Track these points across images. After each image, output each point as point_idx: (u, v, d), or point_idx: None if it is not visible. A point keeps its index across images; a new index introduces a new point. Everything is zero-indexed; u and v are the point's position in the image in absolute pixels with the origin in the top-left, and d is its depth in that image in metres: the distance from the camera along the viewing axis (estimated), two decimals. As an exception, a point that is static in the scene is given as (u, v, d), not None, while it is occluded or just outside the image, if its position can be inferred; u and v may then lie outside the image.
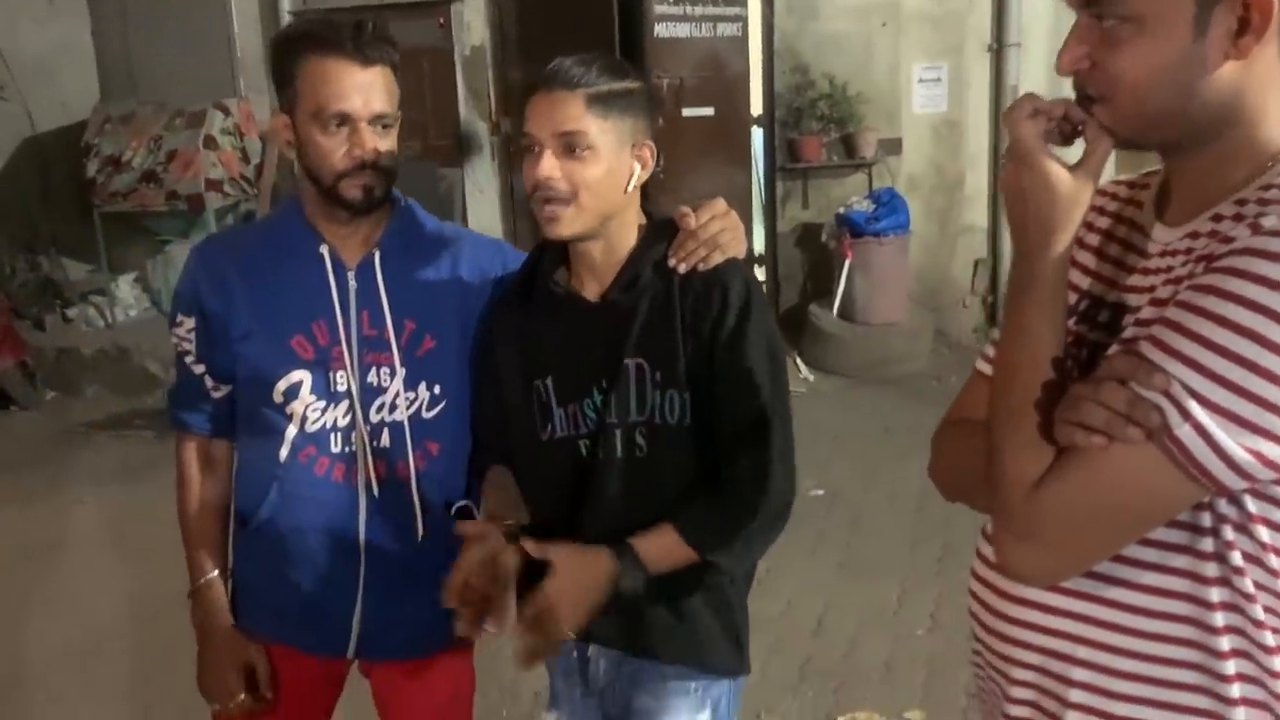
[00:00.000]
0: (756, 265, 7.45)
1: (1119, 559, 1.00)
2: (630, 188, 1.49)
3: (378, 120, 1.62)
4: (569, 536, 1.53)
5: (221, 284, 1.69)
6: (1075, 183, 0.98)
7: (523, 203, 7.85)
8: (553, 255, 1.58)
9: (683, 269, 1.51)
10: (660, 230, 1.55)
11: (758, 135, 7.18)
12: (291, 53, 1.63)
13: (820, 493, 4.51)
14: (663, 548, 1.49)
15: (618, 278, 1.53)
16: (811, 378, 6.34)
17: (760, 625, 3.51)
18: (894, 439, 5.04)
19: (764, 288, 7.36)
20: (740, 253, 1.54)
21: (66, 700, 3.28)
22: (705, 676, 1.59)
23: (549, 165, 1.44)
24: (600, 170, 1.45)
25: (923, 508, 4.29)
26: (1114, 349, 0.99)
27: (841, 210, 6.62)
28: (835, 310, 6.55)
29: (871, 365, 6.30)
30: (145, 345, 6.93)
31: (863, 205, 6.55)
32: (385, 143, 1.62)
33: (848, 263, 6.47)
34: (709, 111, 6.67)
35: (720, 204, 1.57)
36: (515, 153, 7.75)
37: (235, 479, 1.79)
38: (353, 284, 1.68)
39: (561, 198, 1.45)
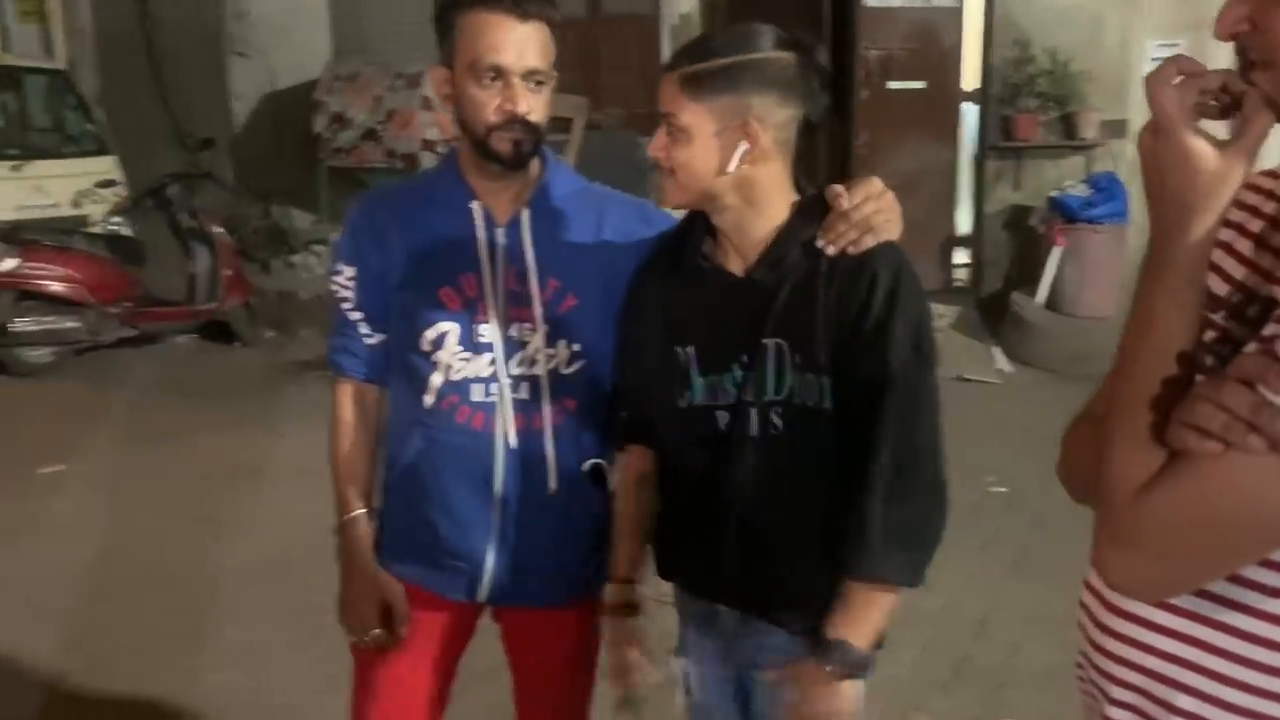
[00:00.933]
0: (959, 248, 7.15)
1: (1238, 581, 0.89)
2: (733, 167, 1.45)
3: (531, 76, 1.62)
4: (706, 506, 1.53)
5: (380, 235, 1.75)
6: (1222, 161, 0.86)
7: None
8: (703, 225, 1.57)
9: (831, 251, 1.46)
10: (812, 209, 1.50)
11: (969, 111, 6.87)
12: (454, 5, 1.66)
13: (1002, 489, 4.30)
14: (862, 612, 1.46)
15: (763, 255, 1.50)
16: (1008, 369, 6.04)
17: (915, 619, 3.42)
18: (1089, 439, 4.72)
19: (966, 271, 7.05)
20: (895, 236, 1.48)
21: (243, 618, 3.52)
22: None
23: (657, 141, 1.47)
24: (690, 152, 1.44)
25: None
26: (1249, 347, 0.86)
27: (1055, 194, 6.25)
28: (1041, 300, 6.21)
29: (1075, 360, 5.92)
30: (356, 293, 7.30)
31: (1079, 190, 6.16)
32: (537, 99, 1.63)
33: (1058, 250, 6.11)
34: (918, 85, 6.44)
35: (876, 183, 1.50)
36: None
37: (390, 422, 1.86)
38: (501, 240, 1.71)
39: (666, 171, 1.48)
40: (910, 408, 1.43)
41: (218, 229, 6.91)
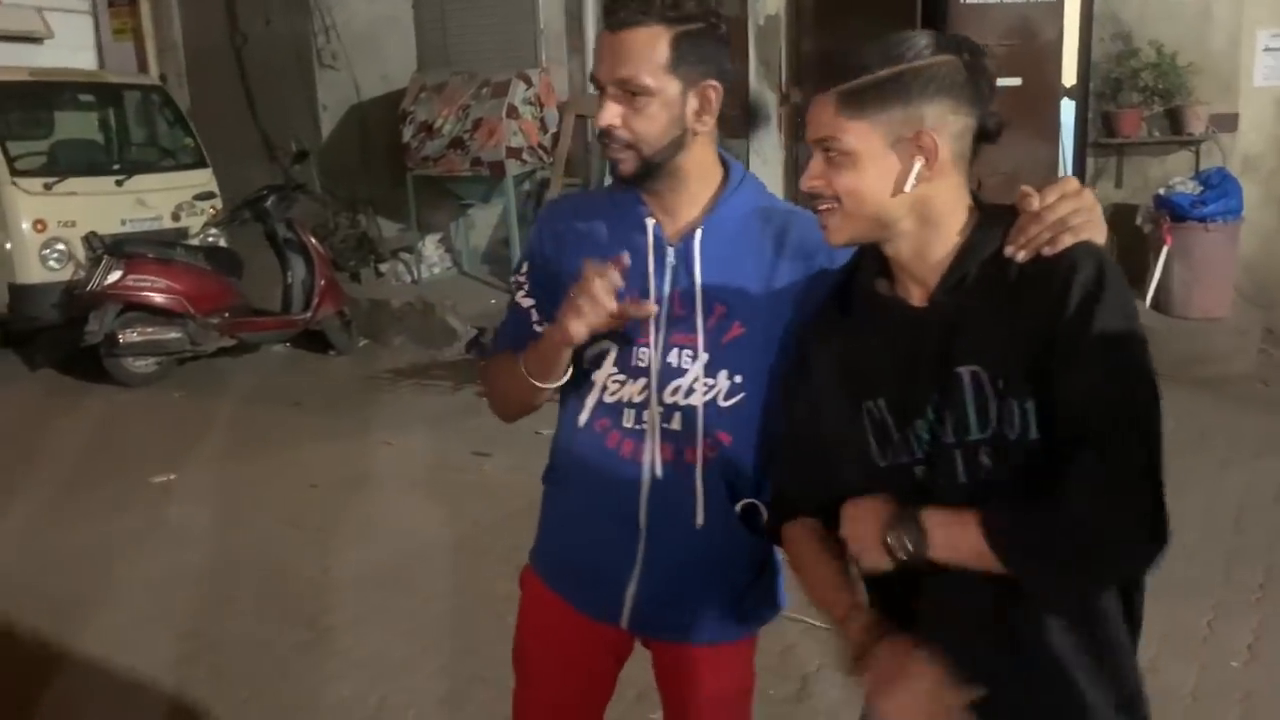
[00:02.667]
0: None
1: None
2: (908, 187, 1.30)
3: (620, 86, 1.52)
4: (919, 586, 1.32)
5: (558, 240, 1.71)
6: None
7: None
8: (872, 259, 1.42)
9: (1022, 257, 1.28)
10: (994, 219, 1.35)
11: (1068, 108, 6.69)
12: None
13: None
14: (957, 531, 1.25)
15: (945, 277, 1.33)
16: (1114, 372, 5.87)
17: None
18: (1210, 447, 4.55)
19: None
20: (1098, 237, 1.32)
21: (361, 629, 3.54)
22: None
23: (813, 172, 1.33)
24: (858, 177, 1.29)
25: (1242, 525, 3.85)
26: None
27: (1162, 191, 6.05)
28: (1148, 301, 6.01)
29: (1186, 363, 5.73)
30: (447, 301, 7.38)
31: (1187, 186, 5.96)
32: (629, 112, 1.52)
33: (1166, 249, 5.91)
34: (1015, 82, 6.26)
35: (1072, 182, 1.35)
36: (802, 124, 7.62)
37: (556, 429, 1.81)
38: (670, 260, 1.63)
39: (828, 204, 1.34)
40: (1115, 421, 1.21)
41: (313, 240, 7.01)
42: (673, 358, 1.62)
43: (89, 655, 3.40)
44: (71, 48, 8.26)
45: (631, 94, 1.52)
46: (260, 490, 4.79)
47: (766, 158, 7.60)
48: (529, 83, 7.80)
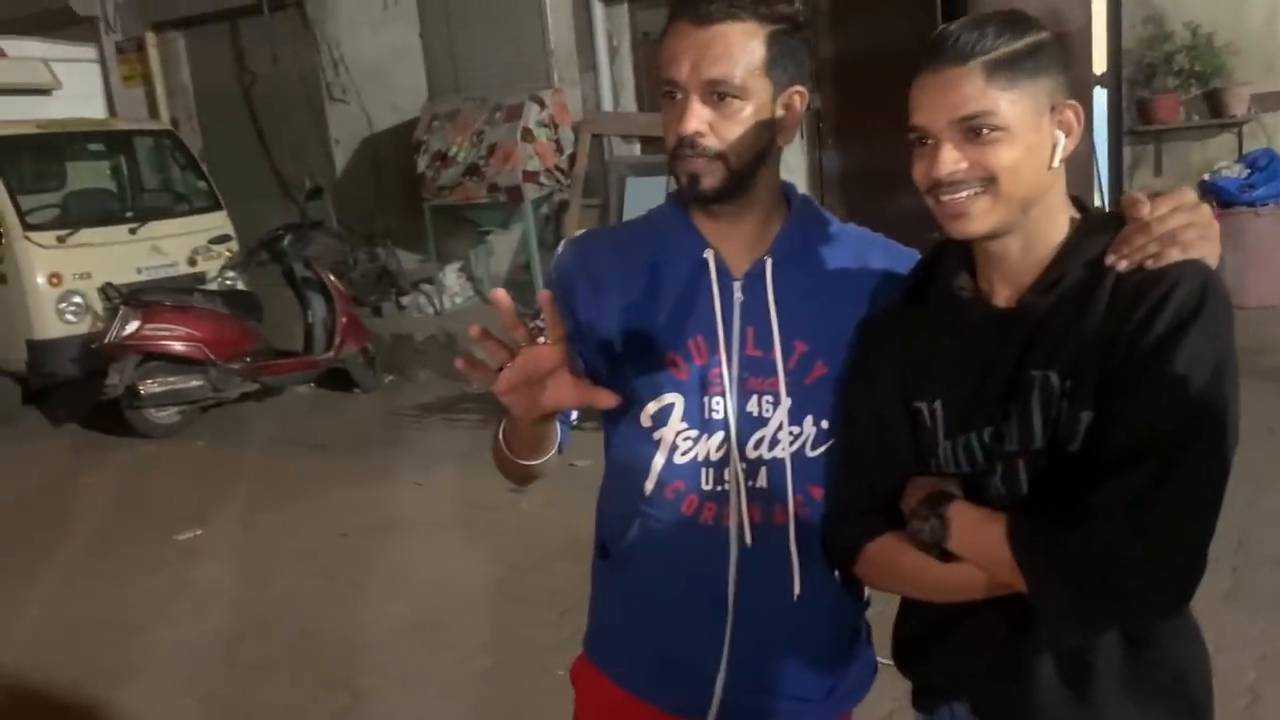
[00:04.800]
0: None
1: None
2: (1056, 162, 1.20)
3: (710, 88, 1.33)
4: (976, 612, 1.24)
5: (595, 280, 1.47)
6: None
7: (833, 182, 7.55)
8: (956, 256, 1.30)
9: (1124, 267, 1.17)
10: (1099, 224, 1.24)
11: (1100, 96, 6.46)
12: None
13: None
14: (981, 529, 1.18)
15: (1039, 279, 1.22)
16: (1168, 368, 5.62)
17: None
18: (1280, 442, 4.32)
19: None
20: (1210, 258, 1.18)
21: (402, 686, 3.34)
22: None
23: (949, 160, 1.17)
24: (1017, 151, 1.17)
25: (1331, 527, 3.60)
26: None
27: (1206, 177, 5.82)
28: (1198, 292, 5.77)
29: (1247, 355, 5.37)
30: (471, 331, 7.20)
31: (1233, 170, 5.73)
32: (719, 118, 1.34)
33: (1214, 237, 5.67)
34: (1045, 73, 6.06)
35: (1189, 195, 1.21)
36: (824, 130, 7.43)
37: (600, 501, 1.62)
38: (738, 296, 1.43)
39: (971, 189, 1.18)
40: (1175, 450, 1.09)
41: (332, 277, 6.88)
42: (752, 405, 1.42)
43: (116, 731, 3.24)
44: (81, 97, 8.18)
45: (721, 96, 1.33)
46: (289, 542, 4.62)
47: (790, 166, 7.41)
48: (542, 104, 7.65)
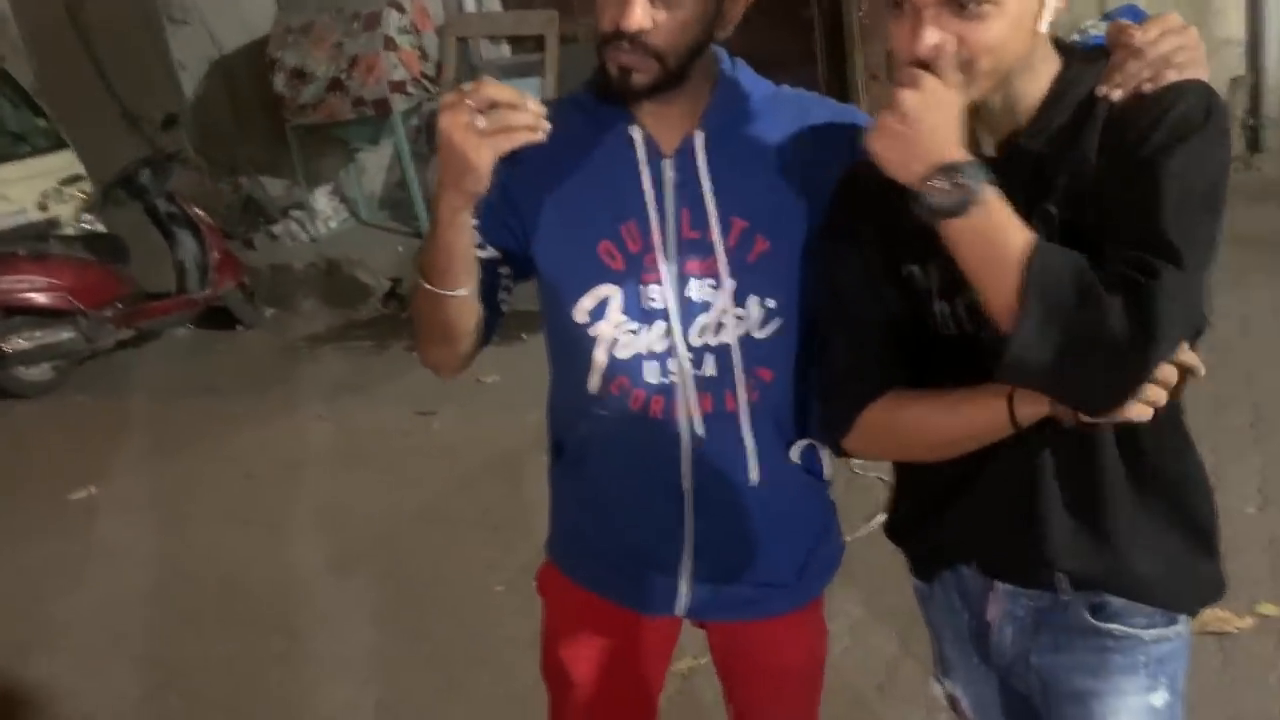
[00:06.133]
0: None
1: None
2: (1044, 25, 1.14)
3: None
4: (994, 464, 1.22)
5: (516, 157, 1.29)
6: None
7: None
8: None
9: (1118, 96, 1.14)
10: (1086, 61, 1.19)
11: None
12: None
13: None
14: (1009, 219, 1.10)
15: (1030, 124, 1.18)
16: None
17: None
18: None
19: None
20: (1203, 77, 1.15)
21: (336, 626, 3.26)
22: (1158, 641, 1.27)
23: (931, 32, 1.09)
24: (1004, 24, 1.10)
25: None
26: None
27: (1076, 36, 5.90)
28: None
29: None
30: (353, 255, 6.97)
31: (1099, 29, 5.81)
32: (668, 12, 1.25)
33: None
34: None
35: (1174, 18, 1.18)
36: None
37: (549, 402, 1.57)
38: (670, 174, 1.36)
39: (943, 67, 1.11)
40: (1164, 249, 1.05)
41: (198, 210, 6.52)
42: (692, 290, 1.37)
43: (35, 704, 3.08)
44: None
45: None
46: (194, 490, 4.43)
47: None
48: (401, 9, 7.29)
